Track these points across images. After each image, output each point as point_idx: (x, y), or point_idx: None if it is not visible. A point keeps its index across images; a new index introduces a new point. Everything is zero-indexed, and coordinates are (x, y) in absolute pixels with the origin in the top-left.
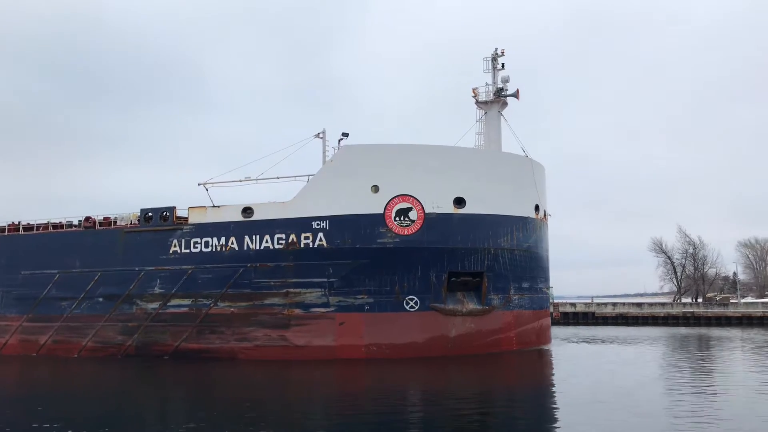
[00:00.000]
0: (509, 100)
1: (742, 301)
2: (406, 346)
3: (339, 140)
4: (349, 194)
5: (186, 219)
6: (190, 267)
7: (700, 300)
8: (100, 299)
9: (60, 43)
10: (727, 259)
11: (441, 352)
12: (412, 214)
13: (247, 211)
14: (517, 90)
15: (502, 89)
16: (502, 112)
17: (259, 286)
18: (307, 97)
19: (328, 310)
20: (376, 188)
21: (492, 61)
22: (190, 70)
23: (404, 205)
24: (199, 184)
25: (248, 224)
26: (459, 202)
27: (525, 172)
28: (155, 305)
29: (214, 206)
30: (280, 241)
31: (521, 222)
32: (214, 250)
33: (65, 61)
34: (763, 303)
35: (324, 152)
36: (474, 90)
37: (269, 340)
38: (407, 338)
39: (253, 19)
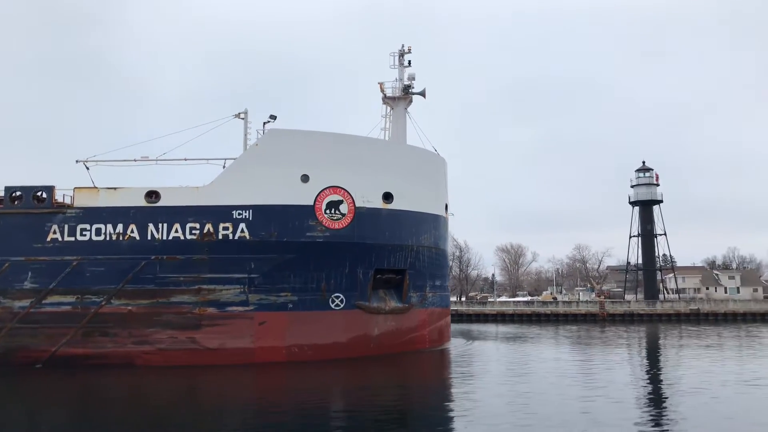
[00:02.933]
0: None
1: (498, 299)
2: (329, 347)
3: (264, 123)
4: (276, 182)
5: (63, 202)
6: (74, 258)
7: (463, 299)
8: None
9: None
10: (487, 262)
11: (363, 351)
12: (343, 208)
13: (153, 195)
14: (424, 89)
15: (409, 86)
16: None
17: (165, 281)
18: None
19: (246, 309)
20: (305, 177)
21: (399, 57)
22: None
23: (335, 197)
24: (77, 161)
25: (153, 210)
26: (387, 197)
27: (439, 170)
28: (24, 303)
29: (109, 188)
30: (194, 231)
31: (436, 220)
32: (108, 238)
33: None
34: (514, 302)
35: (246, 134)
36: (380, 84)
37: (175, 342)
38: (331, 338)
39: None
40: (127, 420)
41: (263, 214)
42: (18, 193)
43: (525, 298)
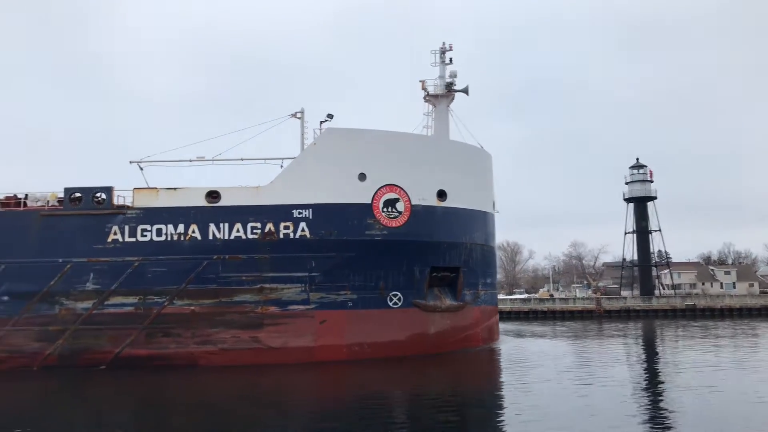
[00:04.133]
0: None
1: None
2: (387, 345)
3: (321, 122)
4: (335, 181)
5: (122, 203)
6: (136, 259)
7: None
8: (5, 298)
9: None
10: None
11: (420, 350)
12: (400, 206)
13: (213, 195)
14: (467, 86)
15: (452, 84)
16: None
17: (228, 281)
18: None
19: (308, 307)
20: (363, 176)
21: (440, 55)
22: None
23: (392, 195)
24: (131, 162)
25: (214, 210)
26: (441, 195)
27: (487, 166)
28: (87, 304)
29: (169, 188)
30: (255, 231)
31: (486, 217)
32: (169, 239)
33: None
34: (511, 299)
35: (302, 134)
36: (422, 82)
37: (238, 342)
38: (389, 336)
39: None
40: (191, 421)
41: (323, 213)
42: (78, 195)
43: (522, 296)
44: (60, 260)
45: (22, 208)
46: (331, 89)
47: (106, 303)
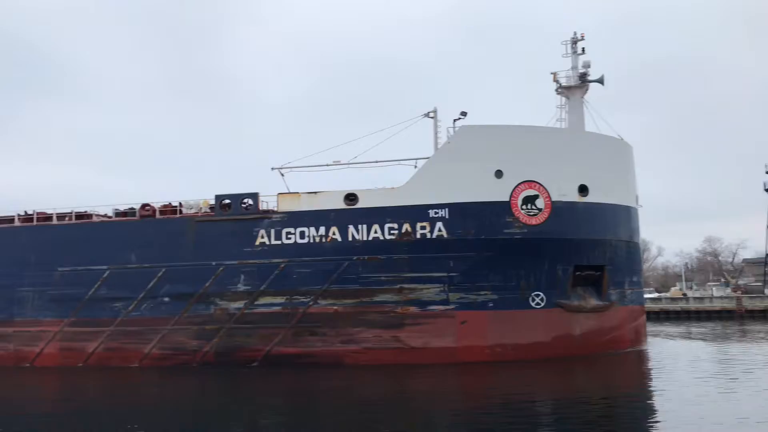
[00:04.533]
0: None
1: None
2: (531, 347)
3: (455, 120)
4: (471, 179)
5: (267, 208)
6: (282, 260)
7: None
8: (166, 299)
9: None
10: None
11: (565, 352)
12: (539, 202)
13: (351, 197)
14: (602, 76)
15: (585, 74)
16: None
17: (369, 281)
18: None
19: (447, 307)
20: (499, 173)
21: (572, 45)
22: (69, 66)
23: (531, 192)
24: (273, 169)
25: (353, 212)
26: (582, 189)
27: (628, 158)
28: (239, 305)
29: (310, 193)
30: (392, 231)
31: (629, 212)
32: (311, 241)
33: None
34: None
35: (436, 133)
36: (554, 74)
37: (380, 341)
38: (533, 338)
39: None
40: (340, 418)
41: (459, 212)
42: (227, 201)
43: (652, 295)
44: (213, 263)
45: (178, 216)
46: (455, 87)
47: (255, 303)
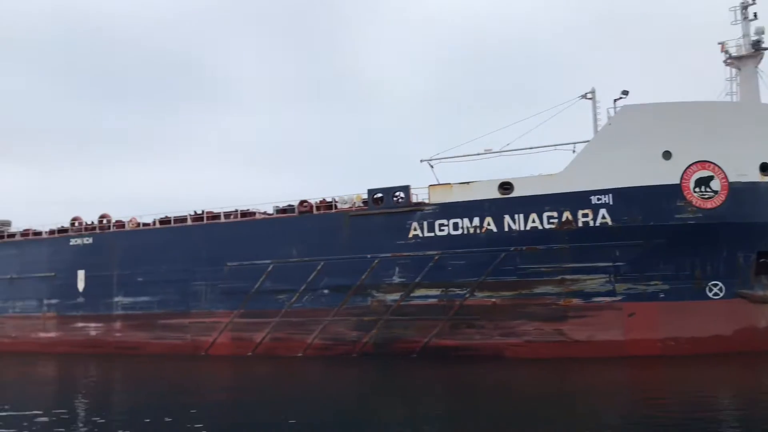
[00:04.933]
0: None
1: None
2: (709, 341)
3: (615, 100)
4: (635, 162)
5: (419, 201)
6: (435, 252)
7: None
8: (326, 291)
9: (67, 46)
10: None
11: (749, 346)
12: (714, 184)
13: (506, 186)
14: None
15: (759, 41)
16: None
17: (527, 272)
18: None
19: (613, 299)
20: (667, 154)
21: (741, 11)
22: (212, 69)
23: (704, 173)
24: (422, 161)
25: (508, 202)
26: (765, 168)
27: None
28: (395, 296)
29: (462, 183)
30: (551, 220)
31: None
32: (465, 232)
33: (75, 62)
34: None
35: (595, 115)
36: (722, 45)
37: (542, 334)
38: (711, 331)
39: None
40: (500, 412)
41: (624, 197)
42: (379, 195)
43: None
44: (368, 256)
45: (333, 211)
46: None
47: (411, 295)
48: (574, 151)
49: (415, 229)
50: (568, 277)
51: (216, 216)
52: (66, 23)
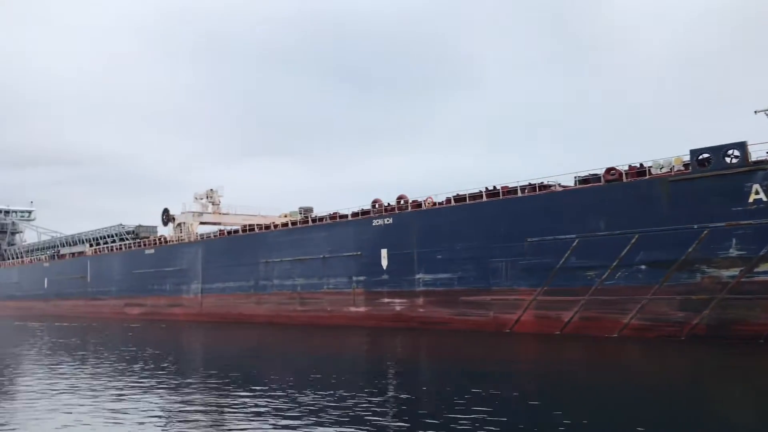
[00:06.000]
0: None
1: None
2: None
3: None
4: None
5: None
6: None
7: None
8: (642, 267)
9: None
10: None
11: None
12: None
13: None
14: None
15: None
16: None
17: None
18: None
19: None
20: None
21: None
22: (464, 56)
23: None
24: (756, 112)
25: None
26: None
27: None
28: (733, 272)
29: None
30: None
31: None
32: None
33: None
34: None
35: None
36: None
37: None
38: None
39: None
40: None
41: None
42: (706, 156)
43: None
44: (695, 226)
45: (647, 177)
46: None
47: (755, 270)
48: None
49: (756, 193)
50: None
51: (512, 191)
52: (315, 23)
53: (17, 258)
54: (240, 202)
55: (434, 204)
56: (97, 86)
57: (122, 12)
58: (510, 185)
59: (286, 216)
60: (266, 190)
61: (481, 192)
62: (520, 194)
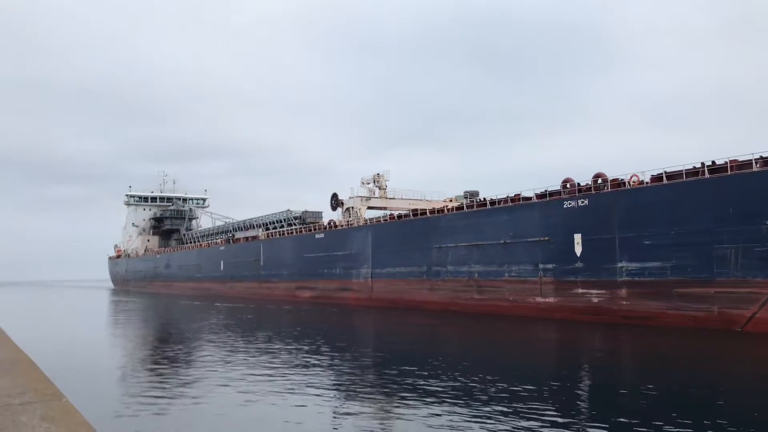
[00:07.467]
0: None
1: None
2: None
3: None
4: None
5: None
6: None
7: None
8: None
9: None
10: None
11: None
12: None
13: None
14: None
15: None
16: None
17: None
18: None
19: None
20: None
21: None
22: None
23: None
24: None
25: None
26: None
27: None
28: None
29: None
30: None
31: None
32: None
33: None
34: None
35: None
36: None
37: None
38: None
39: None
40: None
41: None
42: None
43: None
44: None
45: None
46: None
47: None
48: None
49: None
50: None
51: (743, 165)
52: (468, 12)
53: (195, 242)
54: (401, 186)
55: (641, 182)
56: (262, 85)
57: (286, 9)
58: (740, 159)
59: (451, 200)
60: (418, 177)
61: (696, 169)
62: (755, 168)
